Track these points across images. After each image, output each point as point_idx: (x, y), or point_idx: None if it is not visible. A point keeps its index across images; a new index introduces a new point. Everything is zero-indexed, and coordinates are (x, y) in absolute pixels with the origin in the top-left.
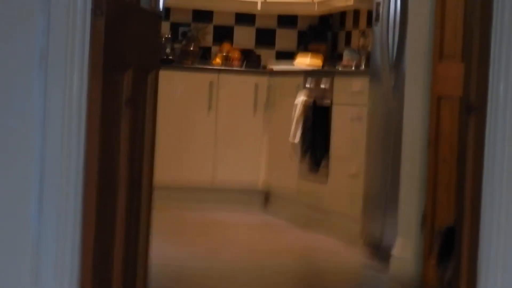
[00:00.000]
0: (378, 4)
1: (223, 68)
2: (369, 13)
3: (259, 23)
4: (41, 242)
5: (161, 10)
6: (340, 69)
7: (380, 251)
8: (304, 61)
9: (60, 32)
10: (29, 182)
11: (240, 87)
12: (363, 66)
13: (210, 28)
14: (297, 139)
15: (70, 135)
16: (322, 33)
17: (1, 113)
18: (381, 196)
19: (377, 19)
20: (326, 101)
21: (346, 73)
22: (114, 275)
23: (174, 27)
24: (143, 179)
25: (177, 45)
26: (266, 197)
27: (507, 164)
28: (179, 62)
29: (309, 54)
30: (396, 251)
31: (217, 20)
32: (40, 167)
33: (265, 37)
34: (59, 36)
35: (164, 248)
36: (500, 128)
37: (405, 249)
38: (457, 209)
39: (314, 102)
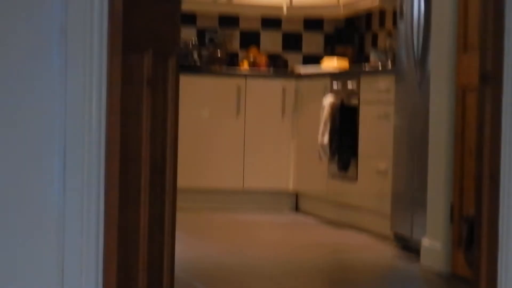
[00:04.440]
0: (402, 2)
1: (250, 73)
2: (395, 13)
3: (285, 27)
4: (65, 238)
5: None
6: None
7: (410, 244)
8: (331, 65)
9: (78, 9)
10: (51, 165)
11: (267, 91)
12: (389, 66)
13: (236, 33)
14: (326, 140)
15: (91, 113)
16: (349, 36)
17: (22, 90)
18: (410, 190)
19: (401, 17)
20: (354, 102)
21: (372, 73)
22: (140, 275)
23: (201, 33)
24: (166, 162)
25: (204, 51)
26: (296, 199)
27: None
28: (207, 67)
29: (336, 58)
30: (426, 242)
31: (243, 25)
32: (62, 146)
33: (292, 41)
34: (77, 13)
35: (194, 246)
36: None
37: (435, 240)
38: (476, 184)
39: (342, 102)
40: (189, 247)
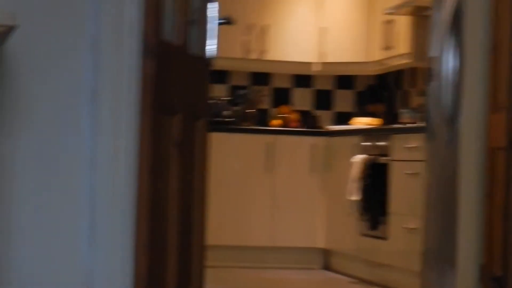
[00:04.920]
0: (434, 59)
1: (279, 129)
2: (426, 72)
3: (316, 84)
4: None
5: (210, 57)
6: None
7: None
8: (362, 122)
9: (109, 72)
10: (79, 227)
11: (297, 148)
12: (420, 124)
13: (267, 91)
14: (356, 196)
15: (119, 175)
16: (380, 93)
17: (53, 149)
18: (440, 249)
19: (432, 76)
20: (383, 159)
21: (403, 130)
22: None
23: (233, 89)
24: (194, 222)
25: (235, 108)
26: (326, 256)
27: None
28: (238, 124)
29: (367, 116)
30: None
31: (274, 83)
32: (91, 209)
33: (323, 99)
34: (108, 75)
35: None
36: None
37: None
38: (503, 244)
39: (372, 159)
40: None
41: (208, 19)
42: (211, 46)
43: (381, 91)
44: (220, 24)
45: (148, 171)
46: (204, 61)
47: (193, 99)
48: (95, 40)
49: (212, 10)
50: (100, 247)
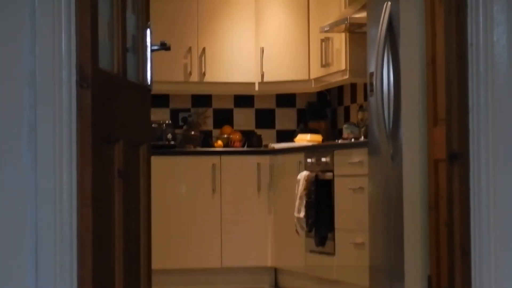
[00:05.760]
0: (371, 75)
1: (223, 149)
2: (366, 87)
3: (258, 104)
4: None
5: (149, 83)
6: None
7: None
8: (305, 140)
9: (47, 105)
10: (24, 263)
11: (242, 168)
12: (362, 138)
13: (210, 112)
14: (302, 214)
15: (62, 209)
16: (321, 110)
17: None
18: (388, 263)
19: (371, 91)
20: (328, 175)
21: (345, 146)
22: None
23: (174, 113)
24: (140, 252)
25: (178, 131)
26: (275, 275)
27: (492, 209)
28: (181, 147)
29: (309, 133)
30: None
31: (216, 104)
32: (34, 243)
33: (265, 118)
34: (46, 108)
35: None
36: (483, 176)
37: None
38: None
39: (316, 176)
40: None
41: (145, 46)
42: (149, 72)
43: (323, 108)
44: (156, 50)
45: (91, 203)
46: (143, 87)
47: (134, 125)
48: (32, 75)
49: (148, 37)
50: (45, 283)
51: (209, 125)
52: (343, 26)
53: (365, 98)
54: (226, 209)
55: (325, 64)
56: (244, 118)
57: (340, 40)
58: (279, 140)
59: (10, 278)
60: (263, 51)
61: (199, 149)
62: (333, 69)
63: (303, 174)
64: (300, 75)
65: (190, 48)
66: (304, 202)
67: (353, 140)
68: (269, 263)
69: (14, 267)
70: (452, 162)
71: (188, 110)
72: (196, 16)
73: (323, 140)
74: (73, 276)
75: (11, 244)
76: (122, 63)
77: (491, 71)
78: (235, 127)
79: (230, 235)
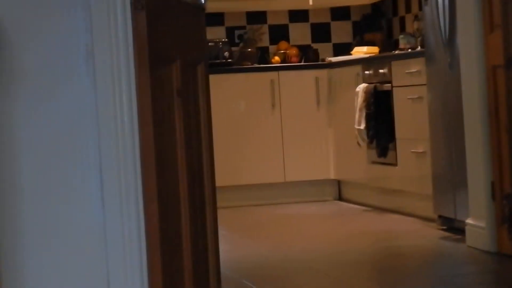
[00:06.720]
0: None
1: (281, 65)
2: None
3: (312, 18)
4: (108, 256)
5: (203, 2)
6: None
7: (455, 225)
8: (361, 52)
9: (102, 28)
10: (88, 183)
11: (301, 83)
12: (419, 48)
13: (265, 29)
14: (363, 125)
15: (123, 129)
16: (376, 22)
17: (52, 112)
18: (450, 171)
19: (426, 0)
20: (386, 86)
21: (403, 56)
22: (186, 280)
23: (230, 30)
24: (203, 166)
25: (234, 48)
26: (338, 187)
27: None
28: (239, 64)
29: (365, 45)
30: (470, 222)
31: (271, 20)
32: (98, 163)
33: (320, 32)
34: (102, 32)
35: (240, 245)
36: None
37: (479, 220)
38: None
39: (375, 87)
40: (235, 246)
41: None
42: None
43: (378, 19)
44: None
45: (151, 122)
46: (197, 5)
47: (190, 45)
48: None
49: None
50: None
51: (265, 41)
52: None
53: (420, 8)
54: (286, 124)
55: None
56: (299, 33)
57: None
58: (336, 53)
59: (74, 201)
60: None
61: (256, 65)
62: None
63: (362, 86)
64: None
65: None
66: (364, 114)
67: (409, 50)
68: (332, 175)
69: (78, 190)
70: (510, 67)
71: (243, 27)
72: None
73: (379, 52)
74: (139, 195)
75: (74, 164)
76: None
77: None
78: (291, 42)
79: (292, 150)
